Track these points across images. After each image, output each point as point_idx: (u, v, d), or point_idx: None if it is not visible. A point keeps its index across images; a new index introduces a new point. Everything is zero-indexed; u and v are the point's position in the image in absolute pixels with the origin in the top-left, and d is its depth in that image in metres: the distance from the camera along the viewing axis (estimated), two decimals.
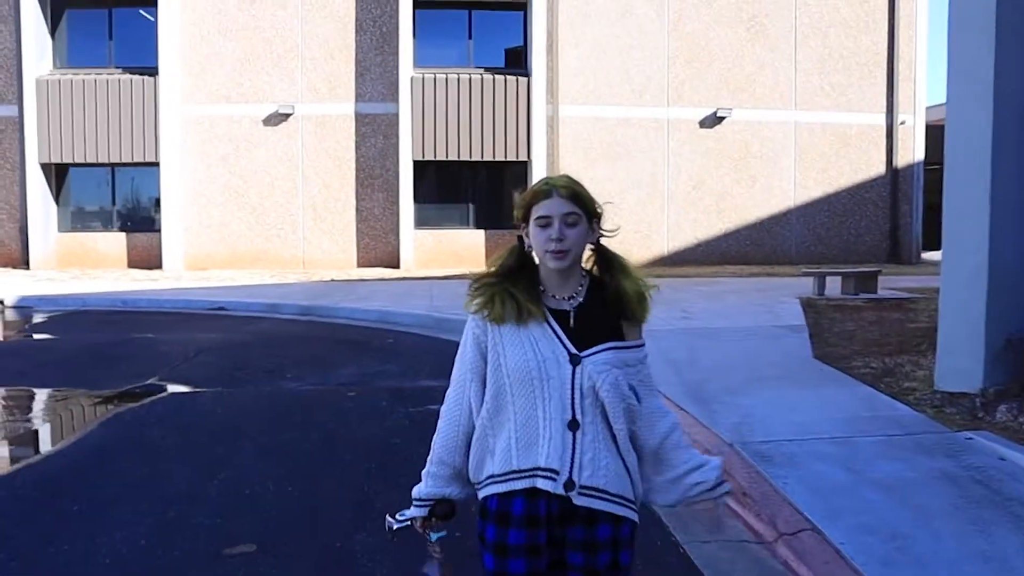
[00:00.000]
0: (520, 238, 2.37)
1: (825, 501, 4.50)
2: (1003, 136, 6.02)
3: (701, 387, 7.22)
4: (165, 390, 8.04)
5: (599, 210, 2.36)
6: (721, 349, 9.20)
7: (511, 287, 2.31)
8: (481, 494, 2.34)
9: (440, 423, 2.41)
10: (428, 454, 2.41)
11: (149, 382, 8.37)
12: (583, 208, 2.30)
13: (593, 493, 2.25)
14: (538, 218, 2.28)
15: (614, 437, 2.30)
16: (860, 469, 4.97)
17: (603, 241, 2.40)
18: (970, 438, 5.53)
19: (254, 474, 5.43)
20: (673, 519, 4.52)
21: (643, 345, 2.39)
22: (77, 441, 6.29)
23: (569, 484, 2.23)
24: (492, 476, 2.30)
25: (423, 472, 2.42)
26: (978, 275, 6.13)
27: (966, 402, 6.23)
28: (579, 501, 2.24)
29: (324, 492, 5.09)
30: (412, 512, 2.41)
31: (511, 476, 2.27)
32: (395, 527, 2.42)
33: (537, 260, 2.35)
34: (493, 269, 2.38)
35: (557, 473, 2.23)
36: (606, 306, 2.34)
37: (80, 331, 11.87)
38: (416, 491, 2.41)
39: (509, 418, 2.29)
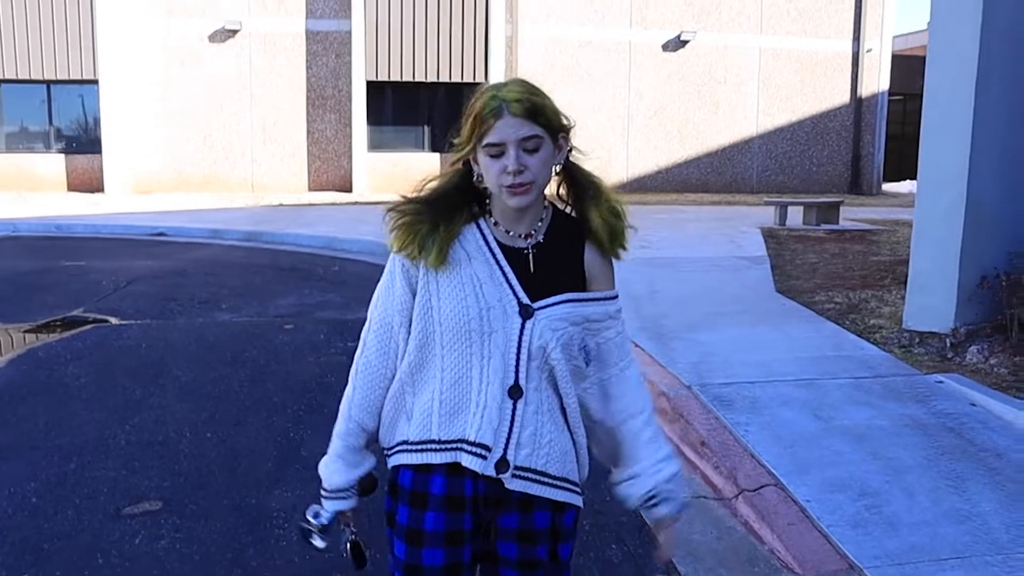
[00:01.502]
0: (467, 163, 1.82)
1: (790, 452, 4.15)
2: (990, 57, 5.56)
3: (659, 322, 6.85)
4: (88, 323, 7.48)
5: (566, 122, 1.81)
6: (681, 281, 8.83)
7: (440, 219, 1.79)
8: (391, 462, 1.88)
9: (357, 380, 1.89)
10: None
11: (73, 314, 7.81)
12: (546, 126, 1.75)
13: (531, 476, 1.81)
14: (487, 146, 1.73)
15: (563, 408, 1.86)
16: (828, 416, 4.62)
17: (572, 159, 1.86)
18: (940, 381, 5.22)
19: (172, 418, 4.96)
20: None
21: (615, 297, 1.89)
22: None
23: (502, 464, 1.78)
24: (406, 442, 1.84)
25: (334, 453, 1.91)
26: (955, 209, 5.74)
27: (935, 342, 5.92)
28: (512, 485, 1.80)
29: (246, 438, 4.65)
30: (337, 506, 1.92)
31: (428, 447, 1.81)
32: (319, 535, 1.94)
33: (489, 190, 1.82)
34: (420, 194, 1.85)
35: (489, 450, 1.77)
36: (571, 246, 1.86)
37: (6, 258, 11.17)
38: (332, 480, 1.91)
39: (435, 376, 1.81)
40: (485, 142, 1.74)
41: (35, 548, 3.41)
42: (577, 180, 1.88)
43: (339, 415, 1.92)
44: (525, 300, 1.79)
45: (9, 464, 4.24)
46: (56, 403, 5.24)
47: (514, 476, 1.80)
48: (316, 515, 1.93)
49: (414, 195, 1.86)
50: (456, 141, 1.82)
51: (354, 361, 1.91)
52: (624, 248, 1.90)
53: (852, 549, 3.26)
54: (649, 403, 1.96)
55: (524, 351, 1.78)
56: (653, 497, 1.90)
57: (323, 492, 1.92)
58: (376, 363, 1.87)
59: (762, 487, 3.83)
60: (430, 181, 1.87)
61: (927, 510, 3.57)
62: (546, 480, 1.83)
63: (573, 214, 1.91)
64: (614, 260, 1.91)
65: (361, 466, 1.91)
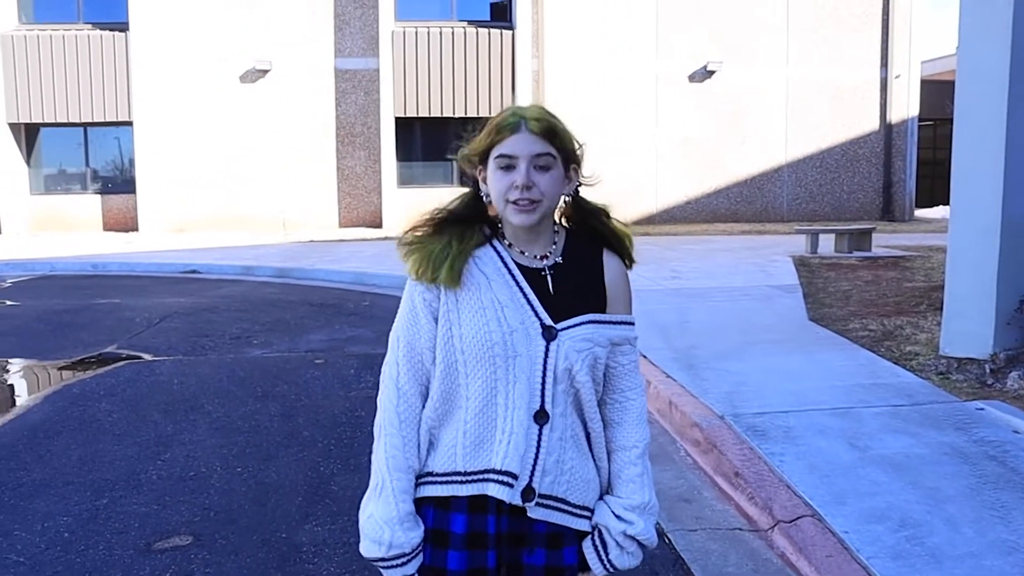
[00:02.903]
0: (475, 182, 1.82)
1: (827, 482, 4.06)
2: (1021, 77, 5.49)
3: (691, 352, 6.78)
4: (122, 359, 7.55)
5: (579, 151, 1.81)
6: (712, 311, 8.76)
7: (452, 237, 1.78)
8: (416, 495, 1.81)
9: (403, 430, 1.78)
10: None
11: (107, 351, 7.89)
12: (560, 148, 1.76)
13: (552, 503, 1.78)
14: (499, 157, 1.74)
15: (587, 435, 1.83)
16: (864, 445, 4.53)
17: (582, 192, 1.87)
18: (981, 408, 5.10)
19: (203, 453, 4.97)
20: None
21: (633, 324, 1.86)
22: (16, 418, 5.80)
23: (528, 492, 1.74)
24: (431, 474, 1.79)
25: (403, 512, 1.76)
26: (990, 231, 5.64)
27: (974, 368, 5.80)
28: (535, 514, 1.76)
29: (276, 474, 4.63)
30: (419, 563, 1.78)
31: (453, 479, 1.77)
32: None
33: (496, 213, 1.82)
34: (431, 217, 1.84)
35: (516, 478, 1.73)
36: (591, 267, 1.83)
37: (43, 297, 11.35)
38: (412, 540, 1.76)
39: (460, 406, 1.76)
40: (498, 152, 1.75)
41: None
42: (583, 207, 1.88)
43: (391, 471, 1.77)
44: (548, 321, 1.75)
45: (43, 499, 4.26)
46: (89, 438, 5.27)
47: (537, 504, 1.76)
48: None
49: (424, 220, 1.84)
50: (466, 149, 1.82)
51: (390, 410, 1.80)
52: (631, 257, 1.90)
53: None
54: (644, 439, 1.87)
55: (550, 374, 1.74)
56: (602, 540, 1.83)
57: (403, 557, 1.76)
58: (419, 407, 1.81)
59: (798, 518, 3.74)
60: (439, 210, 1.86)
61: (971, 541, 3.47)
62: (566, 508, 1.79)
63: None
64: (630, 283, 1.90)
65: (419, 520, 1.81)
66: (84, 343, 8.21)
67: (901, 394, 5.47)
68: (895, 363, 6.24)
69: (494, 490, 1.74)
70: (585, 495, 1.82)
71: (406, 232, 1.85)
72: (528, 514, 1.76)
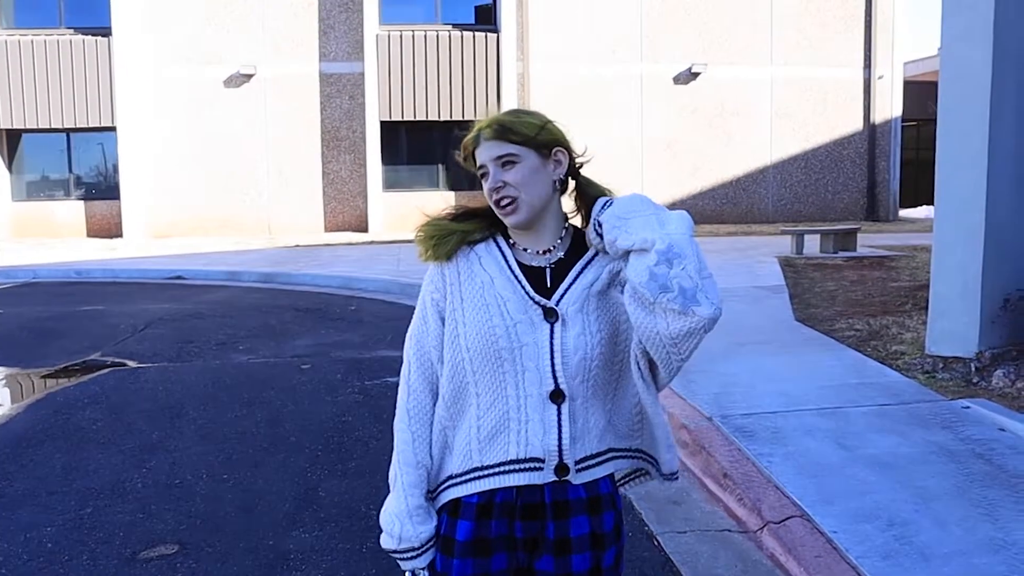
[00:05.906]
0: None
1: (815, 482, 4.06)
2: (1003, 80, 5.52)
3: None
4: (106, 366, 7.49)
5: (553, 134, 1.80)
6: None
7: (459, 225, 1.85)
8: (437, 502, 1.84)
9: (413, 426, 1.84)
10: (386, 436, 1.86)
11: (91, 358, 7.83)
12: (521, 142, 1.77)
13: (589, 463, 1.81)
14: (478, 170, 1.82)
15: (618, 382, 1.83)
16: (852, 445, 4.54)
17: (584, 173, 1.89)
18: (967, 407, 5.12)
19: (189, 461, 4.93)
20: (646, 506, 4.08)
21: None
22: None
23: (562, 469, 1.77)
24: (451, 477, 1.82)
25: (414, 505, 1.81)
26: (974, 231, 5.67)
27: (960, 367, 5.82)
28: (579, 479, 1.79)
29: (263, 480, 4.59)
30: (430, 557, 1.83)
31: (472, 475, 1.79)
32: None
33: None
34: (450, 213, 1.90)
35: (542, 461, 1.76)
36: (586, 256, 1.83)
37: (26, 304, 11.24)
38: (421, 534, 1.81)
39: (471, 403, 1.80)
40: (478, 168, 1.82)
41: None
42: (586, 193, 1.86)
43: (401, 465, 1.83)
44: (549, 304, 1.77)
45: (26, 509, 4.21)
46: (73, 447, 5.22)
47: (578, 471, 1.79)
48: (414, 573, 1.84)
49: (443, 214, 1.90)
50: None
51: (400, 407, 1.86)
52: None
53: None
54: None
55: (558, 354, 1.75)
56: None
57: (413, 551, 1.81)
58: (428, 403, 1.86)
59: (787, 519, 3.74)
60: (458, 207, 1.91)
61: (960, 539, 3.48)
62: (597, 461, 1.82)
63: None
64: None
65: (432, 512, 1.85)
66: (68, 351, 8.14)
67: (888, 393, 5.48)
68: (881, 362, 6.26)
69: (518, 479, 1.77)
70: (602, 442, 1.83)
71: (427, 221, 1.90)
72: (573, 482, 1.79)
